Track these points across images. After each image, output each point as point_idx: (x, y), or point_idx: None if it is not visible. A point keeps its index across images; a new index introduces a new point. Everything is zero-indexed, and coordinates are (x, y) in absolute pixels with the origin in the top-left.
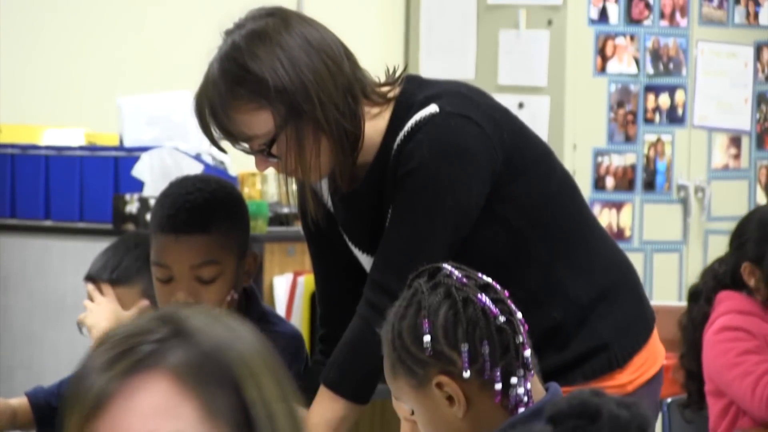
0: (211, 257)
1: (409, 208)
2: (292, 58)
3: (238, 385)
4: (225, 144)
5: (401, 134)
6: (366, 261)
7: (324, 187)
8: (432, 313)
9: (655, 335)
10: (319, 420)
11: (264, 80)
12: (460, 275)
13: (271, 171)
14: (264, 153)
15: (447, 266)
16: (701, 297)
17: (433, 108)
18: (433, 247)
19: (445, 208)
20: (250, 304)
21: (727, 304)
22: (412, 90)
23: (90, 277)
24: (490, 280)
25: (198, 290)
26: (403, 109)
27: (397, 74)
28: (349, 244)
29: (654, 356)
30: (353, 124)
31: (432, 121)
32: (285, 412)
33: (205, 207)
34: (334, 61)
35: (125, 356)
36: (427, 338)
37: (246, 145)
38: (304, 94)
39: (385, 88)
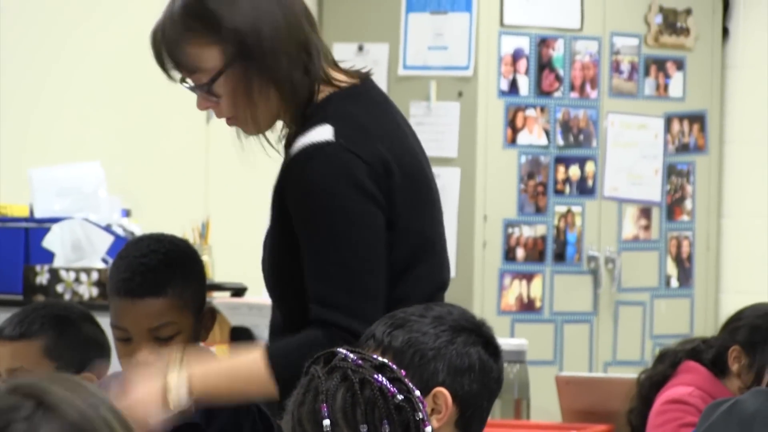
0: (168, 319)
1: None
2: (254, 1)
3: None
4: None
5: (299, 145)
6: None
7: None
8: (330, 397)
9: None
10: (230, 359)
11: (219, 17)
12: (355, 357)
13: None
14: (206, 89)
15: (342, 350)
16: (667, 359)
17: (327, 134)
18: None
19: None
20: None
21: (692, 377)
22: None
23: None
24: (386, 360)
25: (157, 349)
26: (318, 110)
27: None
28: None
29: None
30: (303, 80)
31: (323, 151)
32: None
33: (159, 270)
34: (295, 18)
35: None
36: (326, 423)
37: (191, 83)
38: (256, 37)
39: (344, 72)
